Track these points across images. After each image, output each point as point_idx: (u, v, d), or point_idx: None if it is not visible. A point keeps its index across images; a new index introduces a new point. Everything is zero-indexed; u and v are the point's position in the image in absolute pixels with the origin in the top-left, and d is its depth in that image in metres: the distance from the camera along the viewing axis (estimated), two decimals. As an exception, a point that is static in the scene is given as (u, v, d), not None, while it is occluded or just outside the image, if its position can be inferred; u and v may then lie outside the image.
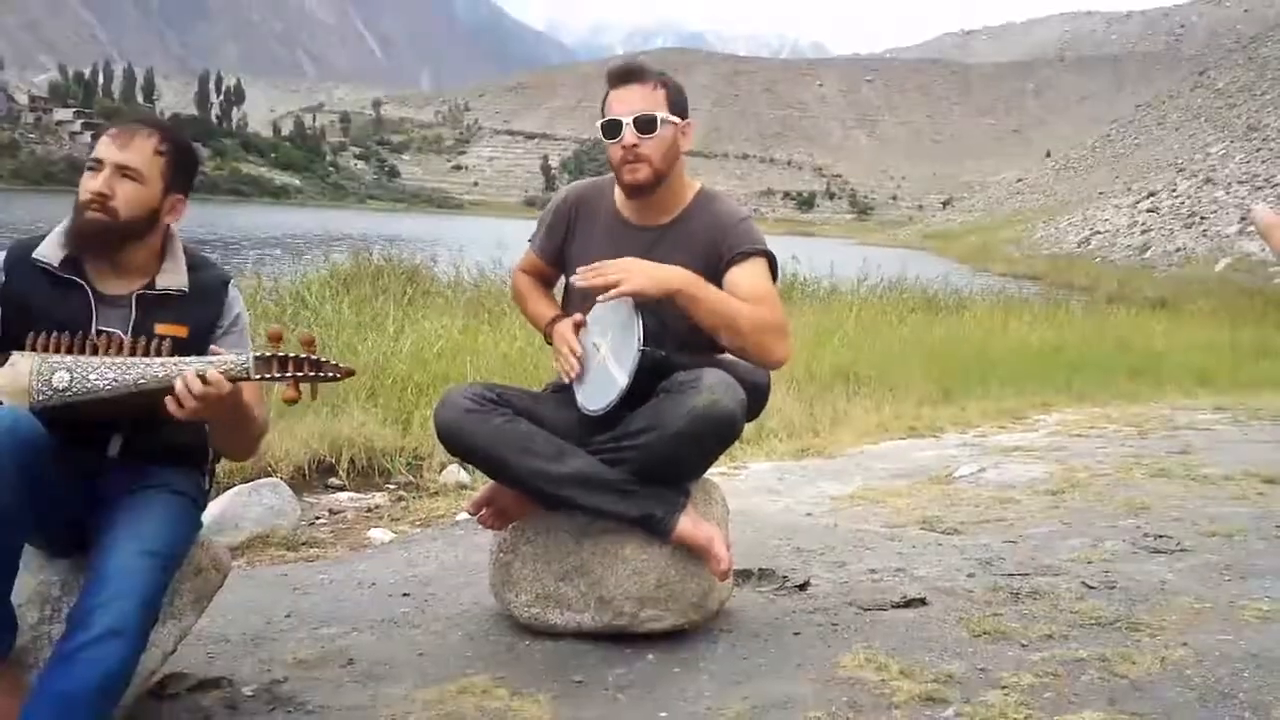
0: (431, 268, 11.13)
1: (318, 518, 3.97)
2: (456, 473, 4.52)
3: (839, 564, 3.09)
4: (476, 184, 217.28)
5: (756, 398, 2.42)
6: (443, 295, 9.81)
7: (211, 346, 1.92)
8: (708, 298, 2.27)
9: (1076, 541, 3.35)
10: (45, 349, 1.83)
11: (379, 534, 3.69)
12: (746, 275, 2.36)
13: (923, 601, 2.71)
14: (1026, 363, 8.80)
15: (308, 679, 2.25)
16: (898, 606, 2.69)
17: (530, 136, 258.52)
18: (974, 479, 4.51)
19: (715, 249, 2.40)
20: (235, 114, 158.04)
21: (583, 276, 2.26)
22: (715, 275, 2.36)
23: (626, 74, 2.40)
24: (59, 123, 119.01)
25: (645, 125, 2.34)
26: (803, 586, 2.83)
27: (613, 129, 2.37)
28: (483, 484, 4.16)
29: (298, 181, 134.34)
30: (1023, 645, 2.40)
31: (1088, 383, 8.04)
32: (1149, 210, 42.86)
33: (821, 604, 2.71)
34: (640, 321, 2.24)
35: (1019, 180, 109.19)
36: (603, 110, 2.41)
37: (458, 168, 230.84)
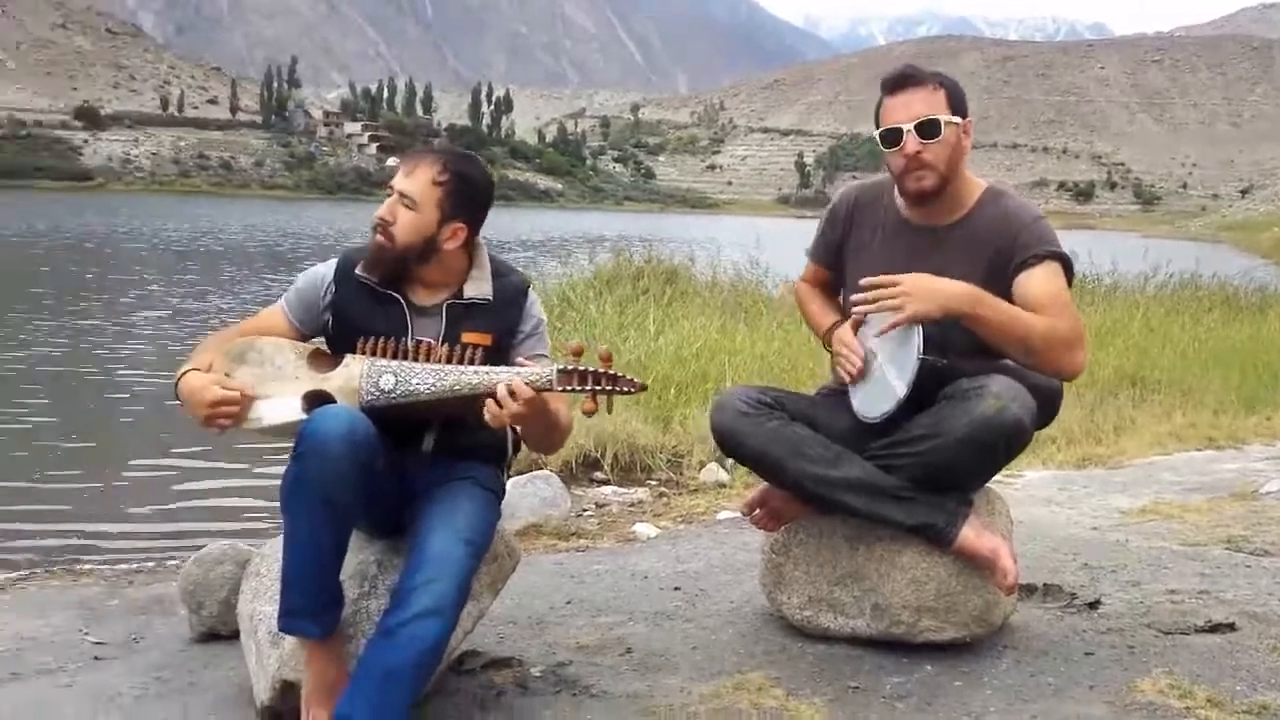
0: (689, 267, 11.29)
1: (585, 510, 4.15)
2: (715, 471, 4.58)
3: (1132, 583, 2.87)
4: (730, 183, 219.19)
5: (1048, 405, 2.28)
6: (700, 295, 9.94)
7: (518, 360, 2.02)
8: (994, 316, 2.14)
9: None
10: (373, 353, 2.02)
11: (644, 528, 3.80)
12: (1039, 281, 2.21)
13: (1231, 627, 2.48)
14: (1348, 368, 7.77)
15: (589, 664, 2.35)
16: (1202, 631, 2.47)
17: (785, 133, 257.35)
18: (1287, 497, 4.05)
19: (1004, 251, 2.25)
20: (504, 123, 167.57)
21: (862, 295, 2.18)
22: (1002, 278, 2.23)
23: (902, 80, 2.27)
24: (349, 136, 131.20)
25: (928, 130, 2.22)
26: (1093, 605, 2.66)
27: (893, 137, 2.26)
28: (743, 484, 4.22)
29: (559, 186, 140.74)
30: (1356, 684, 2.14)
31: None
32: None
33: (1115, 624, 2.53)
34: (920, 330, 2.16)
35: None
36: (877, 120, 2.31)
37: (712, 167, 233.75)
